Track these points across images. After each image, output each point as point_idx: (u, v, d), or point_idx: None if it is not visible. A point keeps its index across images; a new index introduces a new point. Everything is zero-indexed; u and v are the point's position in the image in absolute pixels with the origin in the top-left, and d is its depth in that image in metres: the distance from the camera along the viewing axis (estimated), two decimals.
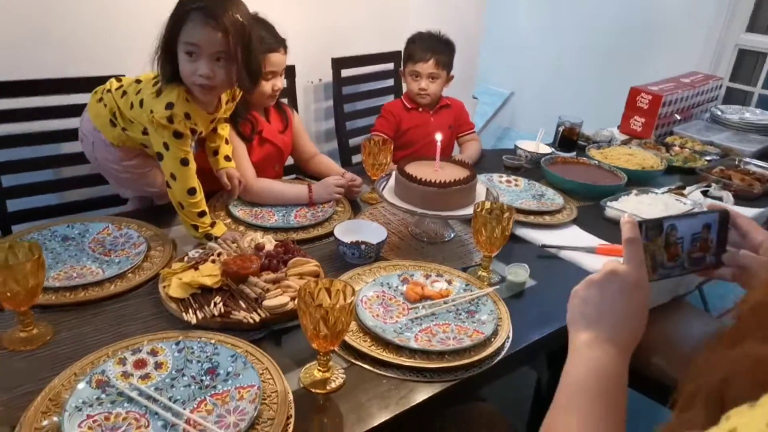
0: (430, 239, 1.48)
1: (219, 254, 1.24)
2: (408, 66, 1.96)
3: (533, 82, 4.30)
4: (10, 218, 1.56)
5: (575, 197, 1.76)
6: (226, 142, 1.50)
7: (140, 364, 0.95)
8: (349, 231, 1.37)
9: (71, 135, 1.54)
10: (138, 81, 1.37)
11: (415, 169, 1.45)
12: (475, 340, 1.07)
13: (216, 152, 1.49)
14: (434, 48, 1.93)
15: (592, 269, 1.40)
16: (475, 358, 1.04)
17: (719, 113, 2.65)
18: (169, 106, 1.26)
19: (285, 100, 2.02)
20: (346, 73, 2.29)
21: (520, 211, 1.58)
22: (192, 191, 1.33)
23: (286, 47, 1.58)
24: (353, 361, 1.03)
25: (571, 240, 1.52)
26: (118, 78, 1.43)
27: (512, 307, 1.20)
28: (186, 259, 1.25)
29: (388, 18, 2.54)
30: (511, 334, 1.13)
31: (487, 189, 1.52)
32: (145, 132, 1.35)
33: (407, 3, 2.60)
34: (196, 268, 1.19)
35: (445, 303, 1.18)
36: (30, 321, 1.00)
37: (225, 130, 1.50)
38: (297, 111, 2.08)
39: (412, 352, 1.04)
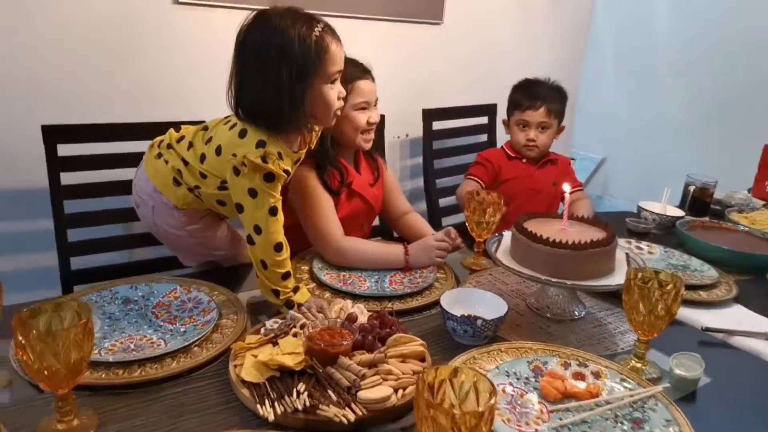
0: (556, 315, 1.20)
1: (302, 326, 1.00)
2: (514, 115, 1.74)
3: (628, 146, 3.98)
4: (73, 277, 1.40)
5: (728, 269, 1.42)
6: None
7: None
8: (457, 302, 1.11)
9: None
10: (205, 128, 1.22)
11: (537, 226, 1.19)
12: None
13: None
14: (545, 95, 1.71)
15: None
16: None
17: None
18: (261, 144, 1.09)
19: None
20: (437, 126, 2.10)
21: None
22: (278, 247, 1.13)
23: (372, 77, 1.41)
24: None
25: (739, 322, 1.19)
26: (176, 128, 1.28)
27: (687, 415, 0.88)
28: (263, 330, 1.02)
29: (479, 71, 2.37)
30: None
31: (627, 255, 1.23)
32: (221, 186, 1.17)
33: (500, 57, 2.42)
34: (275, 343, 0.96)
35: (598, 406, 0.88)
36: (70, 408, 0.78)
37: None
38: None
39: None
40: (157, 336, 1.02)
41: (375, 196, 1.49)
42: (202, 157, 1.18)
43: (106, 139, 1.44)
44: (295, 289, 1.16)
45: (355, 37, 2.01)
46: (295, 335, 0.98)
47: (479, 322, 1.03)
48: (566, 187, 1.22)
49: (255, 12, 1.09)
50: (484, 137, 2.28)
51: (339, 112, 1.18)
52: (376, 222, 1.65)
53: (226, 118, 1.20)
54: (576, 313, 1.21)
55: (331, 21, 2.01)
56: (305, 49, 1.06)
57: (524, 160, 1.76)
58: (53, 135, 1.35)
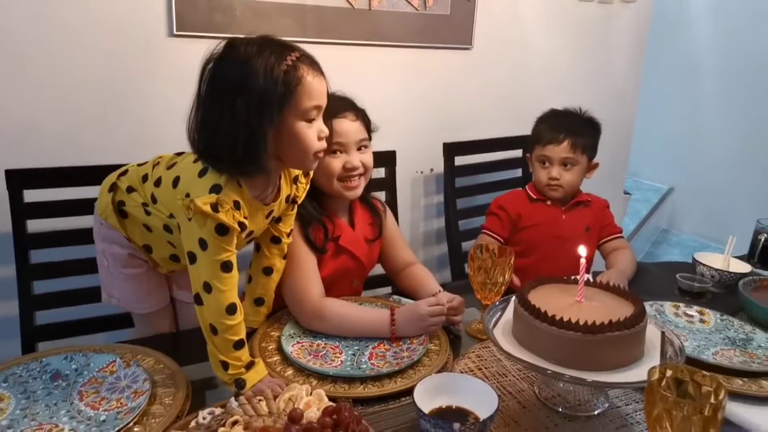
0: (569, 408, 0.95)
1: (235, 423, 0.82)
2: (536, 150, 1.51)
3: (701, 174, 3.59)
4: (37, 332, 1.29)
5: None
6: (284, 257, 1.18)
7: None
8: (438, 391, 0.90)
9: None
10: (179, 153, 1.08)
11: (546, 298, 0.95)
12: None
13: (270, 270, 1.17)
14: (571, 127, 1.47)
15: None
16: None
17: None
18: (215, 188, 0.94)
19: (382, 195, 1.66)
20: (460, 161, 1.89)
21: (715, 369, 1.01)
22: (231, 309, 0.96)
23: (357, 114, 1.23)
24: None
25: None
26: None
27: None
28: (194, 423, 0.85)
29: (514, 100, 2.14)
30: None
31: (663, 334, 0.97)
32: (171, 217, 1.04)
33: (540, 83, 2.18)
34: None
35: None
36: None
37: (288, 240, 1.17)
38: (397, 207, 1.70)
39: None
40: (69, 427, 0.86)
41: (369, 252, 1.31)
42: (158, 181, 1.06)
43: (78, 183, 1.32)
44: (250, 365, 0.98)
45: (378, 66, 1.88)
46: None
47: (456, 426, 0.81)
48: (582, 251, 0.98)
49: (224, 41, 0.93)
50: (518, 172, 2.05)
51: (321, 155, 1.01)
52: (381, 271, 1.45)
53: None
54: (596, 406, 0.96)
55: (352, 49, 1.84)
56: (271, 80, 0.89)
57: (549, 203, 1.52)
58: (18, 179, 1.26)
